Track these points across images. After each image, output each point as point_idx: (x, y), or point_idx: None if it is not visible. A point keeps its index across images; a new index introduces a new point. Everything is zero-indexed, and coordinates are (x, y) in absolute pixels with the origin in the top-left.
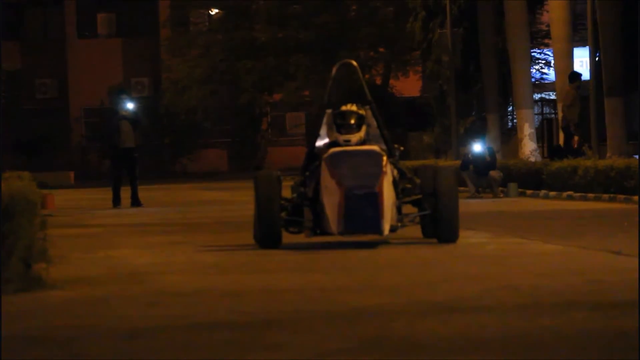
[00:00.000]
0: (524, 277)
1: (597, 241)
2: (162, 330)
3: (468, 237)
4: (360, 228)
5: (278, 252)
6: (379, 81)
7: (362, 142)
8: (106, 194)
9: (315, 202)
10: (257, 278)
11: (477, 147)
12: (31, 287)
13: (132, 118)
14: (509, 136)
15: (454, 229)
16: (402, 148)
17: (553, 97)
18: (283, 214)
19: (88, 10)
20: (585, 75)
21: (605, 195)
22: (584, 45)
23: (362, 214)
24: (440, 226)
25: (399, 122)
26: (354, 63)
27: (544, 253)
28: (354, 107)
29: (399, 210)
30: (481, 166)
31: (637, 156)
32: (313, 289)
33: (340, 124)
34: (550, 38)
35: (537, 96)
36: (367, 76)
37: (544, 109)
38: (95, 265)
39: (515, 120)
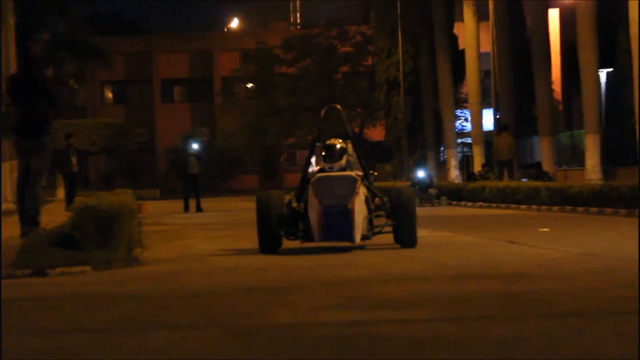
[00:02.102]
0: (452, 258)
1: (498, 234)
2: (215, 293)
3: None
4: (335, 237)
5: (293, 243)
6: (357, 130)
7: (343, 169)
8: (179, 203)
9: (305, 217)
10: (278, 258)
11: (421, 173)
12: (131, 264)
13: (197, 154)
14: (441, 166)
15: (412, 236)
16: (376, 173)
17: (469, 141)
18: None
19: (168, 85)
20: (490, 126)
21: (503, 205)
22: (489, 107)
23: (337, 226)
24: (400, 234)
25: (370, 157)
26: (338, 106)
27: (464, 242)
28: (337, 141)
29: (370, 222)
30: (423, 185)
31: (525, 179)
32: (315, 266)
33: (326, 155)
34: (467, 102)
35: (459, 140)
36: (349, 126)
37: (464, 148)
38: (172, 250)
39: (445, 156)
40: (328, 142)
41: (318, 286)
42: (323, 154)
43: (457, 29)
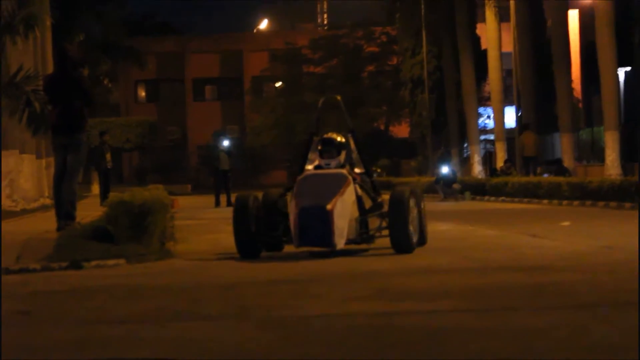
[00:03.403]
0: (475, 251)
1: (521, 228)
2: (246, 284)
3: (439, 226)
4: (312, 242)
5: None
6: (382, 127)
7: (342, 166)
8: (210, 198)
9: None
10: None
11: (445, 169)
12: (164, 257)
13: (227, 151)
14: (464, 162)
15: (406, 242)
16: (379, 170)
17: (492, 137)
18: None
19: (199, 84)
20: (512, 123)
21: (525, 200)
22: (511, 105)
23: (313, 229)
24: (392, 238)
25: (396, 153)
26: (338, 97)
27: (487, 235)
28: (334, 135)
29: (364, 225)
30: (447, 181)
31: (546, 175)
32: (343, 259)
33: (323, 150)
34: (490, 100)
35: (482, 137)
36: (374, 124)
37: (487, 145)
38: (204, 243)
39: (468, 152)
40: (325, 136)
41: (347, 278)
42: (319, 148)
43: (480, 29)
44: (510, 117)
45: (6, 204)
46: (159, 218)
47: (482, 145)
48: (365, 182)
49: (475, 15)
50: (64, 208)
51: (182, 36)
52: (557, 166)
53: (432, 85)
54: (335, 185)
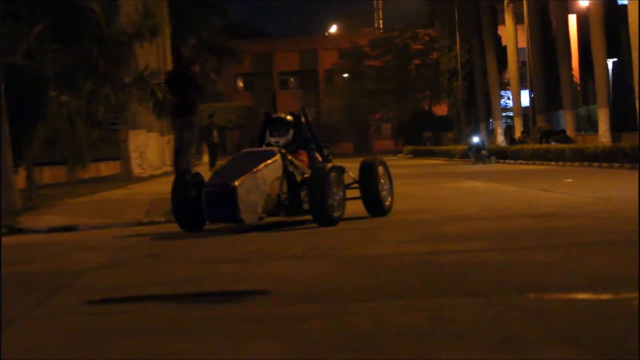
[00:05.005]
0: (498, 202)
1: (534, 184)
2: (322, 231)
3: (470, 183)
4: (219, 218)
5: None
6: (426, 107)
7: (289, 143)
8: None
9: None
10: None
11: (475, 139)
12: None
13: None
14: (490, 133)
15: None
16: (327, 151)
17: (511, 114)
18: None
19: (284, 76)
20: (526, 103)
21: (537, 162)
22: (525, 89)
23: (217, 206)
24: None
25: (437, 127)
26: (291, 79)
27: (508, 190)
28: (282, 115)
29: (296, 198)
30: (477, 148)
31: (553, 142)
32: (397, 210)
33: (272, 129)
34: (509, 85)
35: (504, 114)
36: (420, 106)
37: (507, 120)
38: None
39: (493, 126)
40: (274, 115)
41: (400, 226)
42: (270, 127)
43: (500, 30)
44: (525, 98)
45: (137, 171)
46: None
47: (503, 120)
48: (314, 158)
49: (497, 19)
50: None
51: (270, 38)
52: (561, 135)
53: (464, 74)
54: (254, 163)
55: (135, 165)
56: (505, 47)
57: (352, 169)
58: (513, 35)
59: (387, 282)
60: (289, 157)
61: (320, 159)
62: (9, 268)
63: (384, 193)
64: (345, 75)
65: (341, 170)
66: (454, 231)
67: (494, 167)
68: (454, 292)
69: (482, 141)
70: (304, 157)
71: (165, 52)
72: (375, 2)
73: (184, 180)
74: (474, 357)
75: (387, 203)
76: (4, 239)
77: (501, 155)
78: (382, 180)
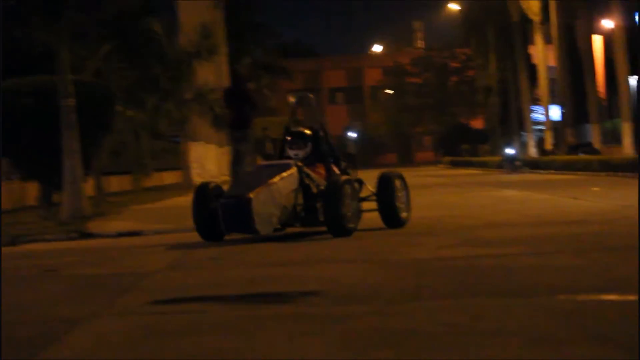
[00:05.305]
0: (532, 209)
1: (564, 193)
2: (369, 236)
3: (506, 192)
4: (234, 229)
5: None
6: (464, 121)
7: (308, 156)
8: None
9: None
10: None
11: (509, 150)
12: None
13: (353, 139)
14: (523, 145)
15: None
16: (344, 164)
17: (542, 127)
18: None
19: (332, 92)
20: (556, 117)
21: (567, 172)
22: (555, 104)
23: (232, 217)
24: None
25: (474, 140)
26: (311, 95)
27: (540, 199)
28: (301, 129)
29: (312, 211)
30: (511, 159)
31: (581, 154)
32: (441, 215)
33: (291, 142)
34: (540, 100)
35: (535, 127)
36: (459, 118)
37: (538, 133)
38: None
39: (525, 138)
40: (294, 129)
41: (441, 231)
42: (289, 139)
43: (531, 49)
44: (555, 112)
45: (197, 180)
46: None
47: (535, 133)
48: (331, 171)
49: (528, 40)
50: None
51: (319, 57)
52: (589, 147)
53: (498, 91)
54: (270, 175)
55: (195, 175)
56: (535, 65)
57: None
58: (543, 54)
59: (430, 284)
60: (306, 169)
61: (337, 172)
62: (80, 270)
63: (402, 206)
64: (389, 91)
65: (359, 183)
66: (491, 236)
67: (527, 176)
68: (492, 293)
69: (515, 153)
70: (321, 170)
71: (223, 70)
72: (415, 23)
73: (204, 191)
74: (511, 353)
75: (404, 216)
76: (75, 243)
77: (533, 165)
78: (399, 194)
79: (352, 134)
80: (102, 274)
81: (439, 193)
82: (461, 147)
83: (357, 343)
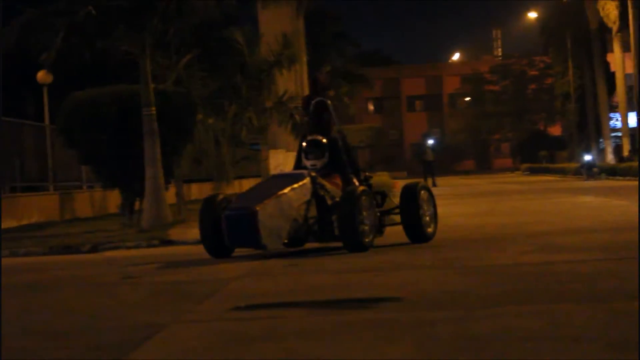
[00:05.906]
0: (609, 216)
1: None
2: (448, 243)
3: (584, 199)
4: (239, 243)
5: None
6: (542, 128)
7: (326, 166)
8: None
9: None
10: (490, 217)
11: (587, 157)
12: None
13: (432, 147)
14: (601, 152)
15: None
16: (367, 173)
17: (620, 134)
18: None
19: (411, 99)
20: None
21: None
22: (633, 111)
23: (237, 230)
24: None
25: (552, 147)
26: (329, 102)
27: (618, 205)
28: (317, 137)
29: (328, 224)
30: (589, 166)
31: None
32: (519, 222)
33: (307, 151)
34: (618, 107)
35: (613, 134)
36: (536, 127)
37: (616, 140)
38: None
39: (603, 145)
40: (310, 137)
41: (520, 237)
42: (304, 148)
43: (609, 57)
44: (632, 119)
45: None
46: (386, 194)
47: (612, 140)
48: (349, 182)
49: (606, 48)
50: None
51: (398, 65)
52: None
53: (576, 98)
54: (280, 186)
55: None
56: (613, 73)
57: (469, 185)
58: (621, 62)
59: (508, 289)
60: (320, 180)
61: (357, 183)
62: (162, 277)
63: (427, 219)
64: (467, 99)
65: (382, 195)
66: (568, 242)
67: (605, 183)
68: (570, 299)
69: (593, 159)
70: (337, 180)
71: (303, 78)
72: (494, 31)
73: (211, 204)
74: (591, 358)
75: (430, 229)
76: (156, 250)
77: (611, 172)
78: (424, 207)
79: (430, 141)
80: (182, 281)
81: (517, 199)
82: (539, 153)
83: (434, 349)
